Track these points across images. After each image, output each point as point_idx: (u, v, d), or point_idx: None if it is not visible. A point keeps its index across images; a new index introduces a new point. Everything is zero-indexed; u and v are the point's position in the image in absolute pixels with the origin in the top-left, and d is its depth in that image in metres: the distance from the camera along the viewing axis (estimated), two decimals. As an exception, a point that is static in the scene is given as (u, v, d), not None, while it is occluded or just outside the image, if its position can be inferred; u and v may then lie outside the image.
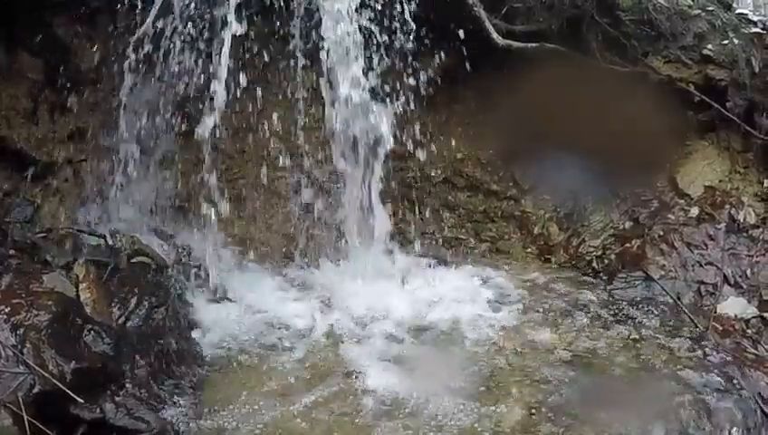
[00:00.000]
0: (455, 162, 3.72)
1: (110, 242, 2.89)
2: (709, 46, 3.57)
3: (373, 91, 3.21)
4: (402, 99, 3.34)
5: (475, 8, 3.39)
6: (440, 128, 3.70)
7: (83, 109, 3.29)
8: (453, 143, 3.69)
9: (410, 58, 3.32)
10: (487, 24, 3.41)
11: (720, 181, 3.55)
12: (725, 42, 3.57)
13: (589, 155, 3.29)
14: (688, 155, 3.61)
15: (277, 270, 3.36)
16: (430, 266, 3.41)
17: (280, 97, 3.41)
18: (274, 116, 3.38)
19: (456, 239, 3.66)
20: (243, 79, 3.15)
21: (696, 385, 2.60)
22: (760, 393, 2.63)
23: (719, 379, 2.64)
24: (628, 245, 3.42)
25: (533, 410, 2.46)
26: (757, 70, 3.52)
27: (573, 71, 3.44)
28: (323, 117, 3.28)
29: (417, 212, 3.62)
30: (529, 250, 3.62)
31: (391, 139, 3.23)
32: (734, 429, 2.48)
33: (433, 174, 3.71)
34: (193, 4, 3.07)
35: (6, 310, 2.35)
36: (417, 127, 3.44)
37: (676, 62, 3.60)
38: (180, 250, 3.22)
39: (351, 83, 3.15)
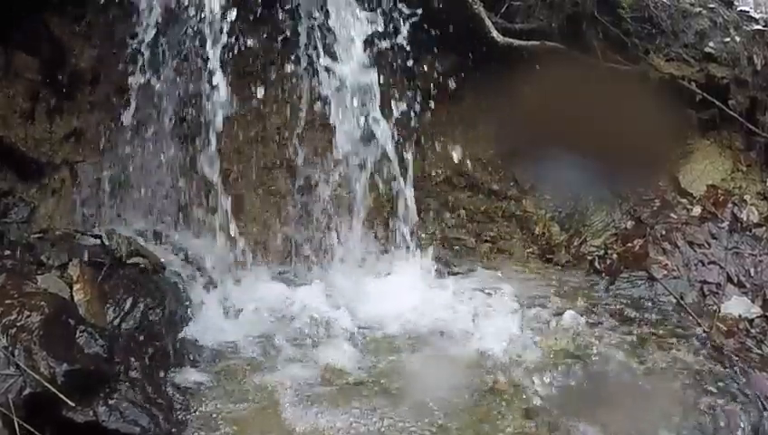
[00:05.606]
0: (455, 162, 3.70)
1: (107, 243, 2.88)
2: (711, 44, 3.57)
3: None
4: (401, 99, 3.32)
5: (475, 6, 3.38)
6: (440, 127, 3.68)
7: (81, 109, 3.28)
8: (453, 143, 3.67)
9: (409, 58, 3.30)
10: (487, 21, 3.41)
11: (722, 180, 3.55)
12: (727, 39, 3.57)
13: (590, 154, 3.28)
14: (690, 154, 3.61)
15: (278, 269, 3.34)
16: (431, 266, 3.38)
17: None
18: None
19: (456, 240, 3.64)
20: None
21: (700, 386, 2.58)
22: (765, 394, 2.60)
23: (723, 380, 2.62)
24: (630, 244, 3.40)
25: (533, 412, 2.44)
26: (759, 67, 3.53)
27: (574, 69, 3.44)
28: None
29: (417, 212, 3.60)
30: (530, 250, 3.59)
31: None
32: (739, 431, 2.45)
33: (433, 174, 3.68)
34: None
35: (-2, 311, 2.33)
36: (417, 127, 3.42)
37: (677, 61, 3.59)
38: (179, 251, 3.20)
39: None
